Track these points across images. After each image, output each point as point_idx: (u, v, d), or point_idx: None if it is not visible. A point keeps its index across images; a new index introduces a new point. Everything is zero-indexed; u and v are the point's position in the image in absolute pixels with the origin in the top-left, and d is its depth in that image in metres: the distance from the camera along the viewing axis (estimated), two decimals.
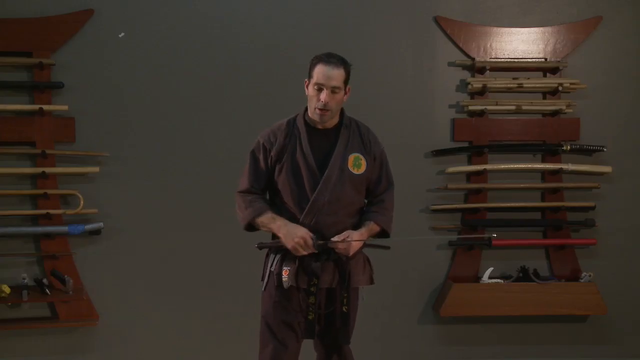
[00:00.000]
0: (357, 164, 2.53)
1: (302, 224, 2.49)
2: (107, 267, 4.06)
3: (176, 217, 4.07)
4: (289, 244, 2.47)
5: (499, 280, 4.15)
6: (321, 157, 2.51)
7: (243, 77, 4.06)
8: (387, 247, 2.69)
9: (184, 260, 4.09)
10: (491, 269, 4.17)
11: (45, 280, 3.94)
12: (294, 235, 2.44)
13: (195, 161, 4.09)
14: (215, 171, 3.98)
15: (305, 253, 2.45)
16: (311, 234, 2.45)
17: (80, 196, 3.94)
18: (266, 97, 4.03)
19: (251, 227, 2.62)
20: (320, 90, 2.45)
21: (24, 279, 3.91)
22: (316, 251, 2.45)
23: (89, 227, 3.97)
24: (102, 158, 4.01)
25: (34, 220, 4.01)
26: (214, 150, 4.06)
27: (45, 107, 3.94)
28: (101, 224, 3.99)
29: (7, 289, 3.84)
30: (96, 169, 3.98)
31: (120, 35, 4.00)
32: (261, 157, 2.58)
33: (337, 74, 2.45)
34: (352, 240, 2.47)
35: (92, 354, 4.09)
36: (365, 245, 2.67)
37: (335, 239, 2.46)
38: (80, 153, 3.98)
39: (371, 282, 2.68)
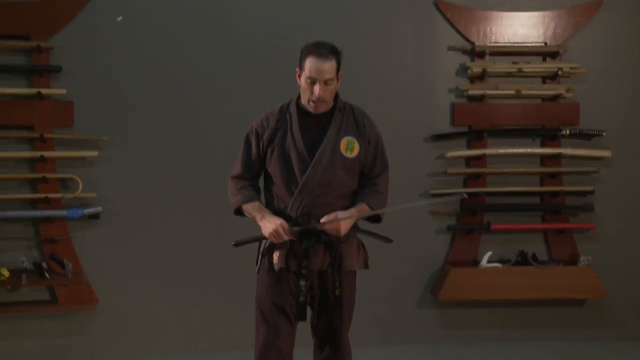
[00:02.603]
0: (349, 147, 2.49)
1: (292, 207, 2.48)
2: (106, 251, 4.03)
3: (176, 201, 4.04)
4: (266, 234, 2.49)
5: (497, 265, 4.13)
6: (312, 140, 2.49)
7: (242, 62, 4.02)
8: (390, 240, 2.66)
9: (183, 244, 4.06)
10: (490, 253, 4.16)
11: (44, 264, 3.91)
12: (269, 227, 2.45)
13: (195, 146, 4.05)
14: (215, 156, 3.92)
15: (283, 240, 2.46)
16: (285, 224, 2.44)
17: (79, 180, 3.92)
18: (266, 83, 3.97)
19: (240, 212, 2.63)
20: (313, 83, 2.43)
21: (23, 262, 3.89)
22: (293, 238, 2.44)
23: (88, 211, 3.94)
24: (101, 142, 3.97)
25: (33, 204, 3.97)
26: (214, 135, 4.02)
27: (44, 91, 3.90)
28: (100, 208, 3.96)
29: (6, 273, 3.82)
30: (95, 153, 3.95)
31: (118, 20, 3.96)
32: (254, 142, 2.57)
33: (329, 67, 2.42)
34: (340, 219, 2.42)
35: (91, 338, 4.06)
36: (365, 233, 2.63)
37: (323, 219, 2.43)
38: (79, 137, 3.95)
39: (366, 266, 2.64)
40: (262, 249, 2.59)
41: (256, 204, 2.53)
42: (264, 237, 2.47)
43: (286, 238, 2.41)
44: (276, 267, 2.51)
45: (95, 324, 4.05)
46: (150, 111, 4.02)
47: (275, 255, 2.51)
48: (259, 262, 2.61)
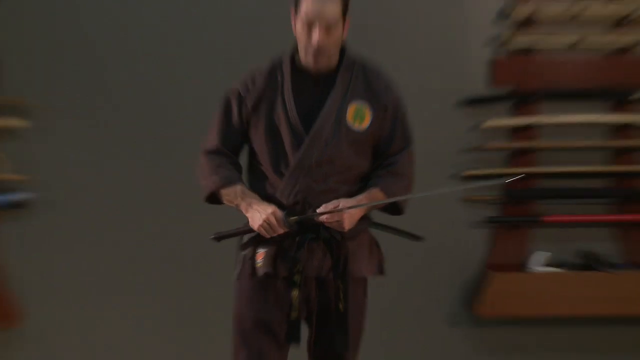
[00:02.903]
0: (359, 116, 2.26)
1: (283, 193, 2.23)
2: (37, 251, 3.60)
3: (130, 188, 3.61)
4: (255, 226, 2.24)
5: (554, 269, 3.62)
6: (310, 107, 2.26)
7: (223, 7, 3.66)
8: (418, 238, 2.37)
9: (138, 244, 3.61)
10: (544, 253, 3.66)
11: None
12: (257, 218, 2.21)
13: (157, 117, 3.60)
14: (186, 131, 3.46)
15: (275, 234, 2.23)
16: (279, 212, 2.22)
17: (5, 158, 3.51)
18: (254, 40, 3.56)
19: (214, 198, 2.35)
20: (311, 28, 2.17)
21: None
22: (287, 230, 2.21)
23: (14, 197, 3.50)
24: (34, 110, 3.54)
25: None
26: (181, 101, 3.60)
27: None
28: (31, 195, 3.53)
29: None
30: (26, 124, 3.52)
31: None
32: (235, 107, 2.31)
33: (331, 7, 2.14)
34: (343, 208, 2.17)
35: None
36: (381, 227, 2.35)
37: (320, 209, 2.18)
38: (4, 102, 3.50)
39: (380, 272, 2.37)
40: (243, 249, 2.33)
41: (238, 187, 2.29)
42: (252, 231, 2.25)
43: (281, 231, 2.19)
44: (260, 272, 2.25)
45: (19, 346, 3.58)
46: (100, 73, 3.60)
47: (259, 256, 2.26)
48: (238, 265, 2.32)
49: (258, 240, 2.25)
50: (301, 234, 2.22)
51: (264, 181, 2.28)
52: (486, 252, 3.74)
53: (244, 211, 2.26)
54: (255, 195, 2.28)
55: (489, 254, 3.72)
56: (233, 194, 2.28)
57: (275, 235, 2.20)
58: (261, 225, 2.19)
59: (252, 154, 2.32)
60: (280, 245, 2.24)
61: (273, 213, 2.19)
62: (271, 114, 2.26)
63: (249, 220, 2.24)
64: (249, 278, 2.27)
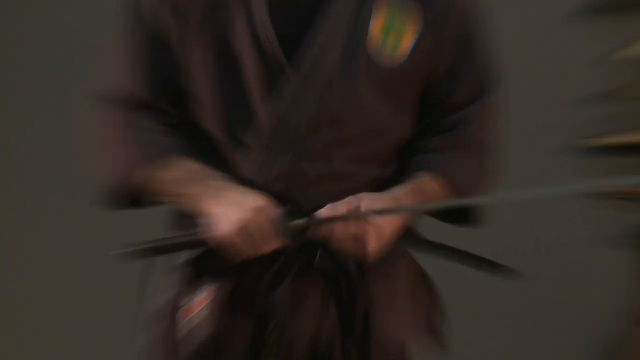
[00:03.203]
0: (392, 34, 1.45)
1: (247, 179, 1.44)
2: None
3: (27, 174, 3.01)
4: (222, 234, 1.38)
5: None
6: (298, 23, 1.47)
7: None
8: (508, 271, 1.44)
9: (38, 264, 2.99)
10: None
11: None
12: (232, 217, 1.37)
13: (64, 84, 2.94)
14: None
15: (258, 253, 1.38)
16: (273, 208, 1.40)
17: None
18: None
19: (130, 194, 1.43)
20: None
21: None
22: (286, 244, 1.39)
23: None
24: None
25: None
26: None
27: None
28: None
29: None
30: None
31: None
32: (159, 22, 1.46)
33: None
34: (368, 213, 1.37)
35: None
36: (435, 250, 1.50)
37: (323, 211, 1.38)
38: None
39: (431, 332, 1.50)
40: (162, 293, 1.49)
41: (190, 164, 1.46)
42: (200, 243, 1.40)
43: (271, 247, 1.39)
44: (196, 338, 1.44)
45: None
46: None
47: (196, 305, 1.43)
48: (149, 323, 1.53)
49: (196, 270, 1.40)
50: (280, 260, 1.40)
51: (208, 157, 1.46)
52: (627, 291, 2.55)
53: (201, 205, 1.49)
54: (222, 176, 1.49)
55: (633, 294, 2.53)
56: (177, 176, 1.42)
57: (259, 254, 1.42)
58: (237, 233, 1.38)
59: (188, 107, 1.50)
60: (240, 283, 1.41)
61: (261, 209, 1.38)
62: (226, 34, 1.44)
63: (214, 222, 1.44)
64: (171, 350, 1.44)
